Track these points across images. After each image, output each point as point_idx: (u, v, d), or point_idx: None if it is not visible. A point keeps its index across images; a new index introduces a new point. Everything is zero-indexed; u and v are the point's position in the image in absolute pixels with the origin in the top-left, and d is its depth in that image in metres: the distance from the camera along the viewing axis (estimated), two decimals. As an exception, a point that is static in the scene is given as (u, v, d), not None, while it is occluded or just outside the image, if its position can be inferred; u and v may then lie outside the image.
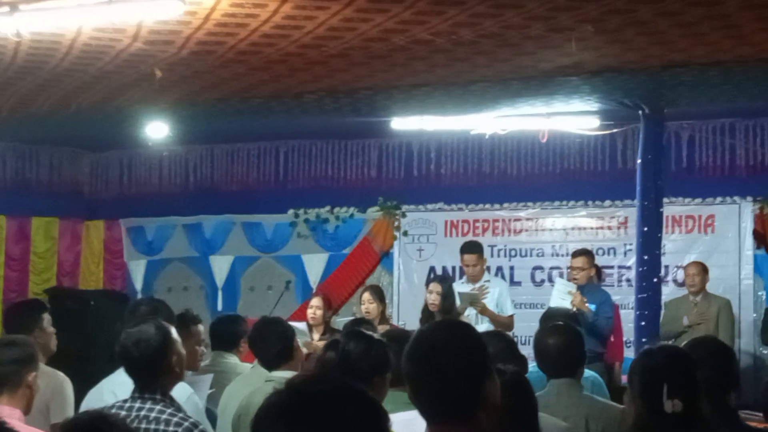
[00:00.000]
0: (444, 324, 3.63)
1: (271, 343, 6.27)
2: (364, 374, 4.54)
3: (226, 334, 7.52)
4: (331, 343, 5.06)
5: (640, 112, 10.01)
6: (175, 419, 4.62)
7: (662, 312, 11.05)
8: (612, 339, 10.75)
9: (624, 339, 11.45)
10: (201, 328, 7.06)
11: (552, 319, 7.23)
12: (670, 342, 9.93)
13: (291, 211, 14.32)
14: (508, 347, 5.30)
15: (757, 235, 12.20)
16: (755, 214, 12.21)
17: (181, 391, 5.19)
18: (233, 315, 8.44)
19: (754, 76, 8.93)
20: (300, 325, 9.48)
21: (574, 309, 9.85)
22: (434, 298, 9.89)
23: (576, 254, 10.71)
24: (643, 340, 9.48)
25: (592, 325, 9.75)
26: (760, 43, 7.52)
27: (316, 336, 10.07)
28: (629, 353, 11.53)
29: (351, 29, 6.95)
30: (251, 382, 6.28)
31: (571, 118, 11.12)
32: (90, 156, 15.65)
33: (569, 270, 10.96)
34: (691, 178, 12.66)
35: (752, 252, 12.22)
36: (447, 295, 9.91)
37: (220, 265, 14.75)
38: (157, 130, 11.55)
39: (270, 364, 6.26)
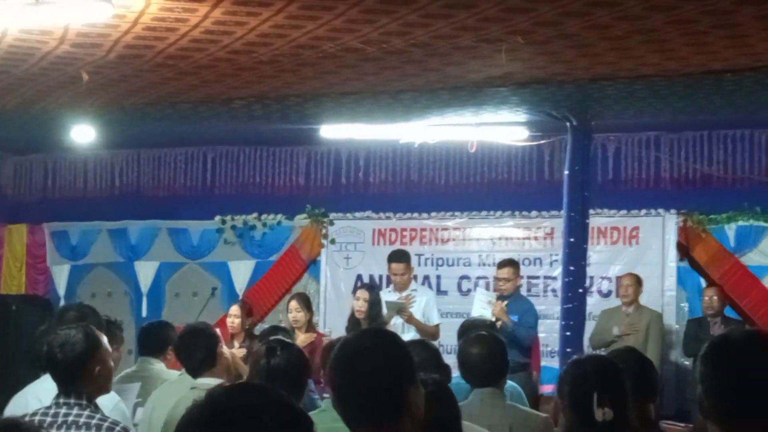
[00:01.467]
0: (369, 332, 3.65)
1: (197, 350, 6.22)
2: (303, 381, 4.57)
3: (155, 340, 7.46)
4: (268, 350, 5.04)
5: (568, 123, 10.10)
6: (106, 424, 4.57)
7: (596, 321, 11.20)
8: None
9: (542, 349, 11.59)
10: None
11: (470, 329, 7.27)
12: (599, 351, 10.06)
13: (218, 218, 14.23)
14: (432, 356, 5.30)
15: (680, 247, 12.36)
16: (679, 226, 12.36)
17: (107, 399, 5.13)
18: (162, 321, 8.37)
19: (678, 90, 9.06)
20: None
21: (494, 318, 9.92)
22: (361, 305, 9.89)
23: (502, 264, 10.76)
24: (568, 350, 9.55)
25: (512, 335, 9.79)
26: (685, 58, 7.63)
27: (236, 344, 10.02)
28: (554, 363, 11.64)
29: (282, 36, 6.93)
30: (178, 389, 6.22)
31: (500, 128, 11.19)
32: (13, 158, 15.43)
33: (495, 280, 11.01)
34: (617, 190, 12.80)
35: (675, 264, 12.37)
36: (374, 302, 9.92)
37: (145, 271, 14.60)
38: (83, 133, 11.40)
39: (195, 371, 6.22)
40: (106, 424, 4.56)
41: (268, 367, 4.93)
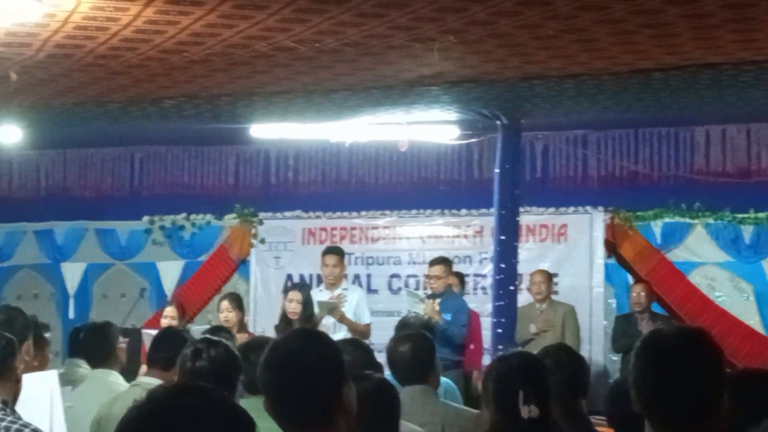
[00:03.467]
0: (299, 333, 3.65)
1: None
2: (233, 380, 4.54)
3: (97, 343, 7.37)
4: (194, 352, 5.02)
5: (498, 122, 10.16)
6: (27, 431, 4.50)
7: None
8: (471, 347, 10.88)
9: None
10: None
11: (407, 327, 7.31)
12: (519, 349, 10.13)
13: (146, 218, 14.13)
14: (364, 355, 5.31)
15: (608, 244, 12.50)
16: (606, 223, 12.49)
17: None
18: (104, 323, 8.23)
19: (606, 88, 9.16)
20: None
21: (427, 317, 9.94)
22: (294, 307, 9.84)
23: (433, 263, 10.79)
24: (500, 347, 9.61)
25: (444, 333, 9.83)
26: (614, 57, 7.71)
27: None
28: (485, 360, 11.70)
29: (214, 35, 6.90)
30: (100, 388, 6.28)
31: (431, 127, 11.23)
32: (-63, 159, 15.21)
33: (426, 278, 11.03)
34: (545, 188, 12.90)
35: (603, 261, 12.49)
36: (307, 302, 9.89)
37: (72, 273, 14.46)
38: (8, 133, 11.26)
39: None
40: (15, 426, 4.49)
41: (193, 369, 4.93)
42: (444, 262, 10.75)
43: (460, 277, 11.59)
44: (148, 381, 5.75)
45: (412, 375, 5.60)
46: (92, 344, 7.03)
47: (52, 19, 6.49)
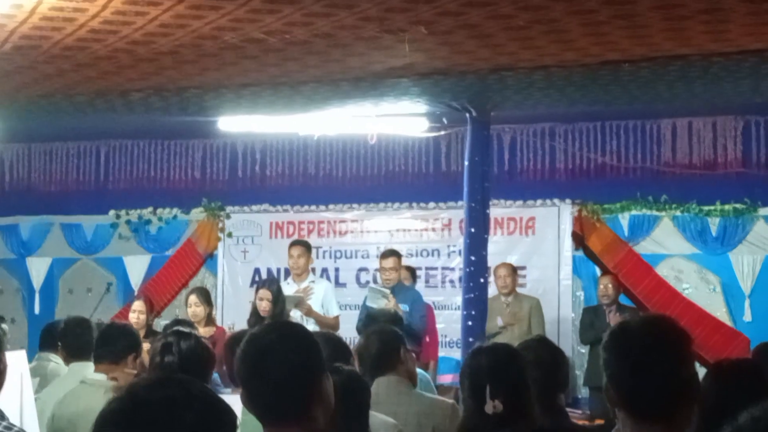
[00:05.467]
0: (275, 325, 3.63)
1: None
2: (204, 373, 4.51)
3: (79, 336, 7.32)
4: (163, 347, 4.98)
5: (468, 114, 10.16)
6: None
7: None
8: (427, 339, 10.88)
9: (440, 339, 11.66)
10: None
11: (375, 320, 7.30)
12: (492, 342, 10.13)
13: (112, 212, 14.05)
14: (334, 348, 5.29)
15: (575, 236, 12.53)
16: (574, 216, 12.52)
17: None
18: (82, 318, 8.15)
19: (576, 80, 9.17)
20: None
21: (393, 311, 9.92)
22: (265, 305, 9.78)
23: (385, 255, 10.73)
24: (470, 339, 9.61)
25: (408, 327, 9.82)
26: (584, 48, 7.72)
27: (140, 340, 9.89)
28: (453, 353, 11.71)
29: (182, 26, 6.84)
30: (68, 384, 6.24)
31: (400, 120, 11.21)
32: None
33: (379, 271, 10.98)
34: (513, 180, 12.91)
35: (571, 253, 12.52)
36: (277, 299, 9.85)
37: (38, 267, 14.38)
38: (-28, 127, 11.18)
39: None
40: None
41: (161, 365, 4.89)
42: (395, 254, 10.71)
43: (411, 270, 11.58)
44: (97, 378, 5.75)
45: (380, 366, 5.59)
46: (73, 337, 7.00)
47: (18, 10, 6.43)
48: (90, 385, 5.77)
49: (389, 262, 10.57)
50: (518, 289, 11.72)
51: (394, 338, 5.81)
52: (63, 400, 5.84)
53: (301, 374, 3.14)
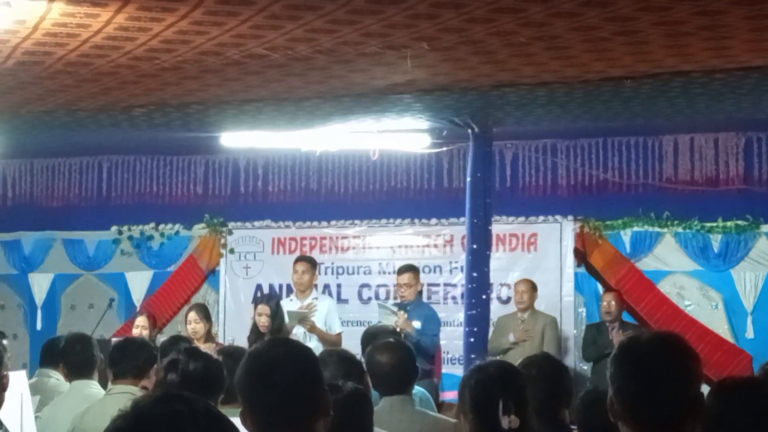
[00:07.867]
0: (277, 341, 3.65)
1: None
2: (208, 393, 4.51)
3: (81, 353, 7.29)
4: (170, 364, 4.96)
5: (470, 130, 10.16)
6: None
7: (493, 328, 11.22)
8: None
9: (443, 356, 11.65)
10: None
11: (376, 337, 7.23)
12: (496, 358, 10.11)
13: (114, 228, 14.06)
14: (350, 366, 5.24)
15: (577, 253, 12.52)
16: (576, 232, 12.52)
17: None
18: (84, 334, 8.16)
19: (578, 96, 9.18)
20: None
21: (398, 329, 9.89)
22: (264, 321, 9.83)
23: (402, 270, 10.74)
24: (472, 356, 9.59)
25: (417, 345, 9.80)
26: (585, 65, 7.73)
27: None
28: (455, 369, 11.70)
29: (185, 42, 6.85)
30: (73, 400, 6.20)
31: (402, 136, 11.22)
32: None
33: (396, 287, 10.99)
34: (515, 197, 12.91)
35: (573, 270, 12.51)
36: (275, 315, 9.87)
37: (40, 283, 14.37)
38: (-25, 143, 11.19)
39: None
40: None
41: (165, 383, 4.87)
42: (412, 269, 10.70)
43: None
44: (123, 389, 5.70)
45: (393, 385, 5.52)
46: (74, 354, 6.96)
47: (21, 25, 6.43)
48: (114, 395, 5.73)
49: (404, 277, 10.56)
50: (535, 307, 11.68)
51: (411, 357, 5.71)
52: (86, 413, 5.80)
53: (307, 387, 3.20)
